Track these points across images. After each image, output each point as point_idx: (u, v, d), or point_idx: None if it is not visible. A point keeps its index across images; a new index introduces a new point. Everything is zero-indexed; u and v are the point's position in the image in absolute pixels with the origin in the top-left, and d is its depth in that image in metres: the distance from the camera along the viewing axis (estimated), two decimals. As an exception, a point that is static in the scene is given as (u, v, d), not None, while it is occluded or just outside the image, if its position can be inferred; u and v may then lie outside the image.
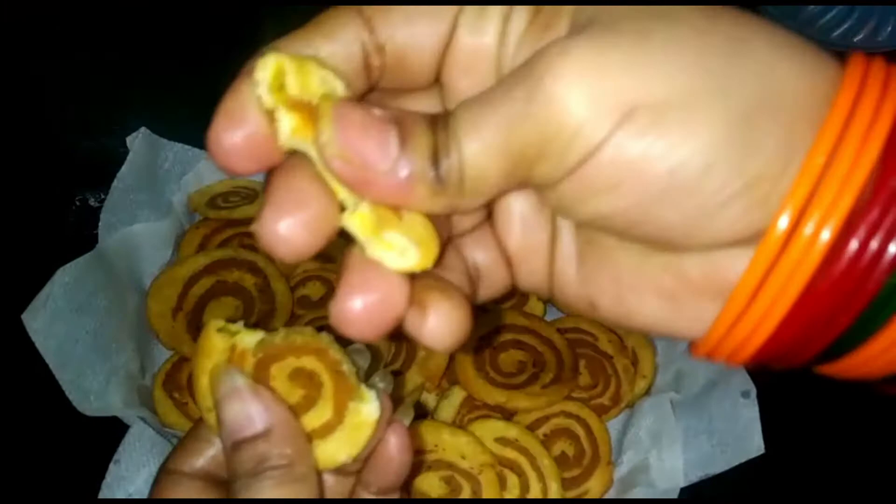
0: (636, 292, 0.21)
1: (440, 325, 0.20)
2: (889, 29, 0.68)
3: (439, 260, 0.20)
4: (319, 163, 0.19)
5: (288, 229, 0.18)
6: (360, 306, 0.19)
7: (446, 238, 0.22)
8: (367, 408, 0.26)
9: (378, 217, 0.19)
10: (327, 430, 0.26)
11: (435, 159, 0.18)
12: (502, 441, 0.48)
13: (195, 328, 0.51)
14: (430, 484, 0.46)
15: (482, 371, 0.51)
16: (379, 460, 0.28)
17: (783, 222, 0.17)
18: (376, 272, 0.19)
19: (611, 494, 0.49)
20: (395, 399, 0.28)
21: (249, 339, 0.26)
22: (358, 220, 0.19)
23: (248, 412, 0.25)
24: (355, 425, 0.26)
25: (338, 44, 0.19)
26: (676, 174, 0.17)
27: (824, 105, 0.17)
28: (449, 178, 0.18)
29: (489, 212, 0.23)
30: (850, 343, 0.19)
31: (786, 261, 0.18)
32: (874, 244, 0.17)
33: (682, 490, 0.46)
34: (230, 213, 0.56)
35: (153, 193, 0.55)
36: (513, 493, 0.47)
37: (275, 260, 0.55)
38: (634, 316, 0.21)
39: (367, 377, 0.27)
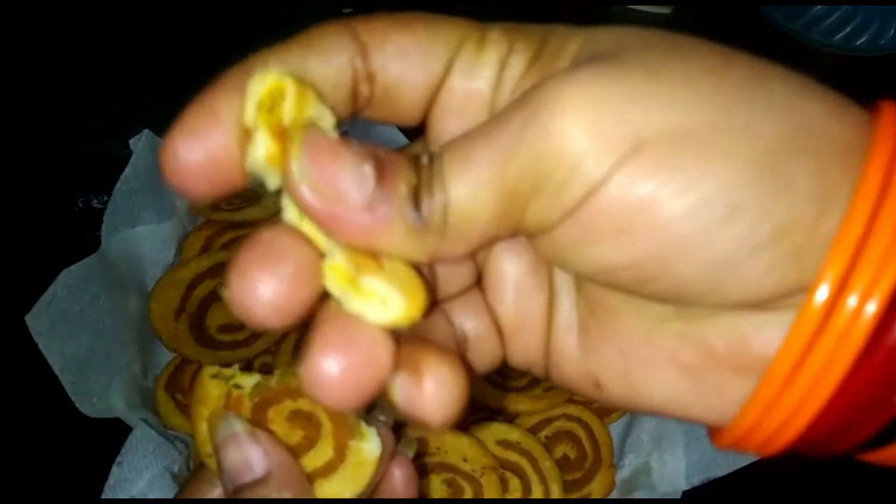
0: (647, 366, 0.18)
1: (439, 392, 0.17)
2: (892, 32, 0.68)
3: (426, 321, 0.17)
4: (291, 209, 0.17)
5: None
6: (336, 369, 0.16)
7: (433, 298, 0.19)
8: (368, 446, 0.26)
9: (355, 266, 0.16)
10: (329, 469, 0.26)
11: (416, 197, 0.16)
12: (504, 444, 0.48)
13: (198, 330, 0.51)
14: (431, 487, 0.46)
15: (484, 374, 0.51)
16: (384, 494, 0.28)
17: (823, 291, 0.15)
18: (356, 328, 0.16)
19: (613, 497, 0.49)
20: (398, 426, 0.28)
21: (245, 383, 0.26)
22: (332, 272, 0.17)
23: (247, 457, 0.25)
24: (357, 464, 0.26)
25: (330, 67, 0.17)
26: (693, 217, 0.15)
27: (856, 150, 0.16)
28: (432, 218, 0.16)
29: (479, 275, 0.21)
30: None
31: (830, 333, 0.15)
32: None
33: (684, 493, 0.46)
34: (233, 216, 0.56)
35: (156, 195, 0.55)
36: (514, 495, 0.47)
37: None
38: (645, 394, 0.18)
39: (368, 409, 0.27)
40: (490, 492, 0.46)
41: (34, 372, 0.45)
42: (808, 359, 0.16)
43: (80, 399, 0.45)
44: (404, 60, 0.18)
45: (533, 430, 0.49)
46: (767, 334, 0.16)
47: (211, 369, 0.27)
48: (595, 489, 0.48)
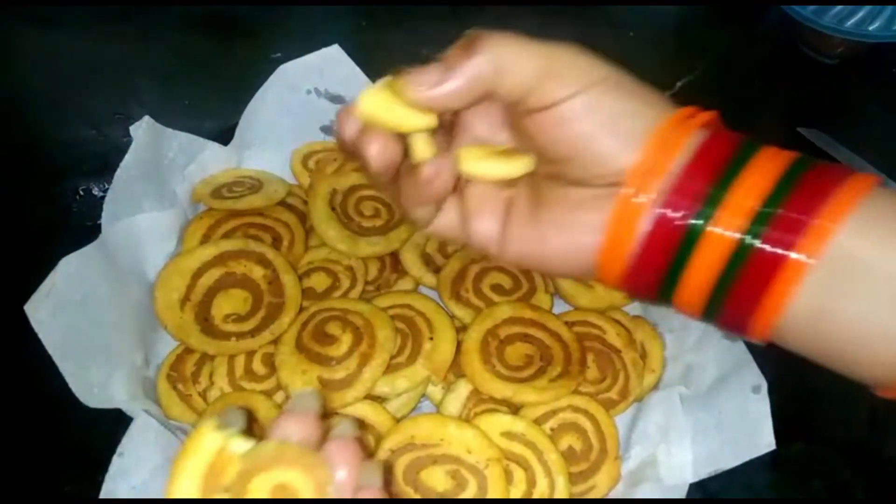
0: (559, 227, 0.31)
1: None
2: (905, 17, 0.67)
3: None
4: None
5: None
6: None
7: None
8: None
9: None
10: None
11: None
12: (509, 435, 0.48)
13: (203, 319, 0.51)
14: (435, 478, 0.46)
15: (489, 364, 0.50)
16: None
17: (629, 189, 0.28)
18: None
19: (618, 489, 0.48)
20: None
21: (240, 447, 0.26)
22: (466, 151, 0.32)
23: None
24: None
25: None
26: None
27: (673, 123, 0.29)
28: None
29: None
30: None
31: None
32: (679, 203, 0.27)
33: (691, 486, 0.45)
34: (234, 204, 0.55)
35: (157, 183, 0.55)
36: (519, 487, 0.47)
37: (282, 252, 0.55)
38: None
39: None
40: (494, 483, 0.45)
41: (34, 361, 0.44)
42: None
43: (80, 389, 0.44)
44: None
45: (538, 422, 0.49)
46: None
47: (214, 421, 0.26)
48: (601, 481, 0.48)
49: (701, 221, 0.27)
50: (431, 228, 0.33)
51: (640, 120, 0.28)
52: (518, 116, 0.30)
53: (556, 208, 0.30)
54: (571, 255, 0.30)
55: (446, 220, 0.33)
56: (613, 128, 0.28)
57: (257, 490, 0.25)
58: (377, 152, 0.30)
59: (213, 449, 0.26)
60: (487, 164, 0.31)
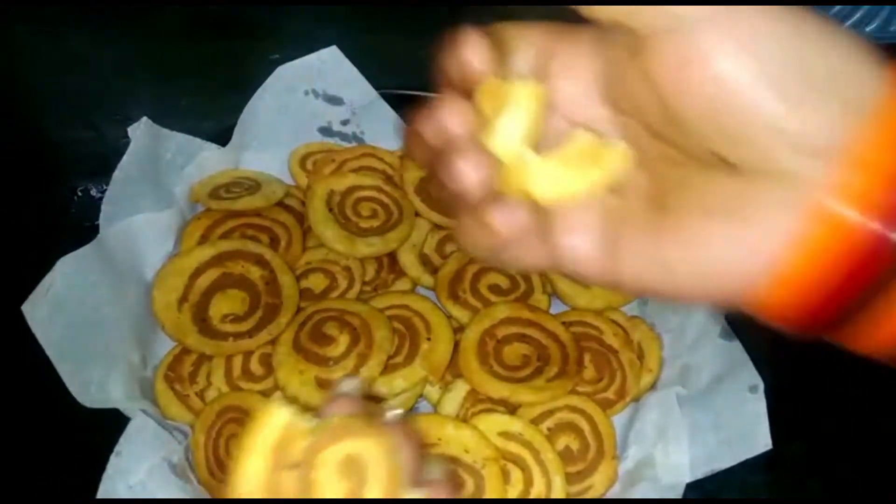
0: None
1: None
2: (902, 18, 0.67)
3: None
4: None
5: None
6: None
7: None
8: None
9: None
10: None
11: None
12: (506, 435, 0.48)
13: (200, 320, 0.51)
14: (432, 478, 0.46)
15: (486, 364, 0.50)
16: None
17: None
18: None
19: (615, 489, 0.48)
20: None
21: (308, 421, 0.25)
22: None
23: None
24: None
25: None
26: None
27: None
28: None
29: None
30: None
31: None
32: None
33: (688, 486, 0.45)
34: (232, 204, 0.55)
35: (155, 184, 0.55)
36: (516, 487, 0.47)
37: (280, 252, 0.55)
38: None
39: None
40: (492, 483, 0.45)
41: (31, 362, 0.44)
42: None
43: (77, 389, 0.44)
44: None
45: (535, 422, 0.49)
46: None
47: (281, 402, 0.26)
48: (598, 481, 0.48)
49: None
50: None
51: (839, 72, 0.19)
52: (621, 66, 0.21)
53: (693, 210, 0.21)
54: (721, 281, 0.21)
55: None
56: (797, 77, 0.18)
57: (326, 462, 0.25)
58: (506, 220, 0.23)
59: (280, 424, 0.25)
60: (565, 181, 0.23)
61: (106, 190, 0.53)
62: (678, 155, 0.21)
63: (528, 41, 0.23)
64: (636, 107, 0.21)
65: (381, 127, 0.61)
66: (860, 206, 0.18)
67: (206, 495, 0.46)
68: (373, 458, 0.25)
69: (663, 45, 0.19)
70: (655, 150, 0.22)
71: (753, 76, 0.18)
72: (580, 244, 0.23)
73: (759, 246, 0.20)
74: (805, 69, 0.18)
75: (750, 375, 0.47)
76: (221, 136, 0.60)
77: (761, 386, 0.46)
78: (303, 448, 0.25)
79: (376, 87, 0.60)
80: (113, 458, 0.43)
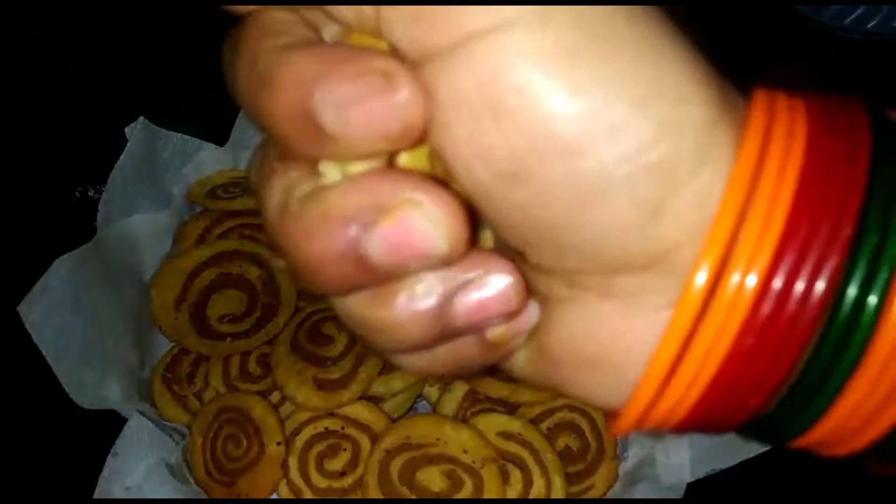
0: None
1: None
2: (904, 14, 0.66)
3: None
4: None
5: None
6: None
7: None
8: None
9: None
10: None
11: None
12: (505, 435, 0.47)
13: (198, 320, 0.51)
14: (431, 478, 0.45)
15: (485, 364, 0.50)
16: None
17: (702, 277, 0.15)
18: None
19: (616, 489, 0.48)
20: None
21: None
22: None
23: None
24: None
25: None
26: (575, 121, 0.14)
27: (734, 118, 0.16)
28: None
29: None
30: (799, 403, 0.16)
31: (712, 317, 0.15)
32: (799, 285, 0.15)
33: (689, 485, 0.45)
34: (230, 204, 0.55)
35: (152, 184, 0.55)
36: (516, 488, 0.46)
37: (277, 252, 0.55)
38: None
39: None
40: (490, 484, 0.45)
41: (27, 362, 0.44)
42: (692, 343, 0.16)
43: (74, 390, 0.44)
44: None
45: (534, 421, 0.49)
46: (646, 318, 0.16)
47: None
48: (598, 481, 0.48)
49: (874, 297, 0.15)
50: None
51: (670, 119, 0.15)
52: None
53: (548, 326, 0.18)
54: (598, 384, 0.18)
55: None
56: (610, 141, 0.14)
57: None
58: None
59: None
60: None
61: (103, 190, 0.52)
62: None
63: None
64: None
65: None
66: (746, 263, 0.15)
67: (203, 496, 0.46)
68: None
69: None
70: None
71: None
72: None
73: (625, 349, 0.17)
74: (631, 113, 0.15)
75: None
76: (219, 136, 0.59)
77: (762, 384, 0.46)
78: None
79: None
80: (110, 460, 0.43)
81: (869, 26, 0.67)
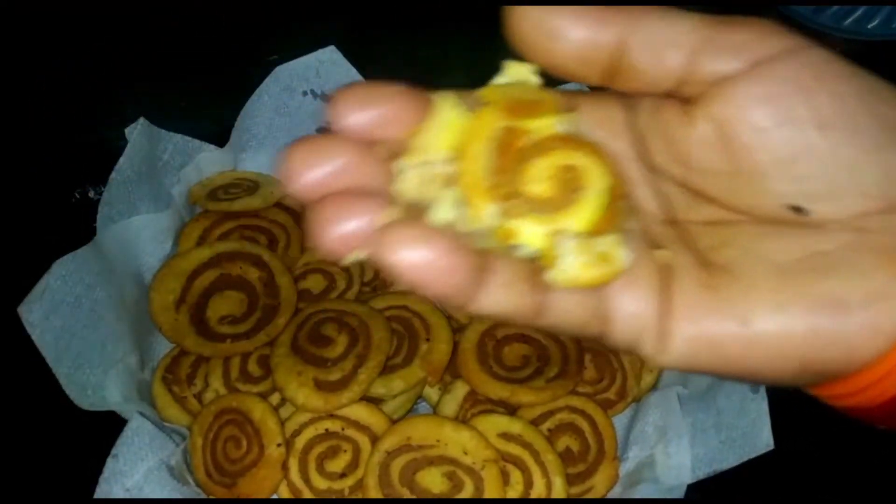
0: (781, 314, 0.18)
1: None
2: (904, 15, 0.66)
3: None
4: None
5: None
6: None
7: None
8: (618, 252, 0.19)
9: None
10: None
11: None
12: (505, 436, 0.47)
13: (198, 321, 0.51)
14: (431, 479, 0.45)
15: (485, 365, 0.50)
16: None
17: None
18: None
19: (616, 490, 0.48)
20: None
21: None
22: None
23: None
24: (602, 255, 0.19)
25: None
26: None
27: None
28: None
29: None
30: None
31: None
32: None
33: (689, 486, 0.45)
34: (230, 205, 0.55)
35: (152, 185, 0.55)
36: (516, 489, 0.46)
37: (278, 253, 0.55)
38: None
39: None
40: (491, 485, 0.45)
41: (28, 363, 0.44)
42: None
43: (74, 391, 0.44)
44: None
45: (535, 423, 0.49)
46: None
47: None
48: (598, 482, 0.48)
49: None
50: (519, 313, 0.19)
51: None
52: (663, 123, 0.19)
53: (760, 268, 0.18)
54: (798, 350, 0.18)
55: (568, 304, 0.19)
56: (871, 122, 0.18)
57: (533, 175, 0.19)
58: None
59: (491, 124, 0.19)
60: (591, 264, 0.18)
61: (103, 191, 0.52)
62: (726, 214, 0.19)
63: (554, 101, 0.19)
64: (682, 165, 0.19)
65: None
66: None
67: (203, 498, 0.46)
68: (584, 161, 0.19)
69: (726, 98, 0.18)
70: (693, 211, 0.20)
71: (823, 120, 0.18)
72: (635, 307, 0.19)
73: (859, 306, 0.17)
74: (879, 115, 0.18)
75: (751, 375, 0.46)
76: (219, 137, 0.59)
77: (763, 385, 0.45)
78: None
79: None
80: (110, 461, 0.43)
81: (869, 27, 0.67)
